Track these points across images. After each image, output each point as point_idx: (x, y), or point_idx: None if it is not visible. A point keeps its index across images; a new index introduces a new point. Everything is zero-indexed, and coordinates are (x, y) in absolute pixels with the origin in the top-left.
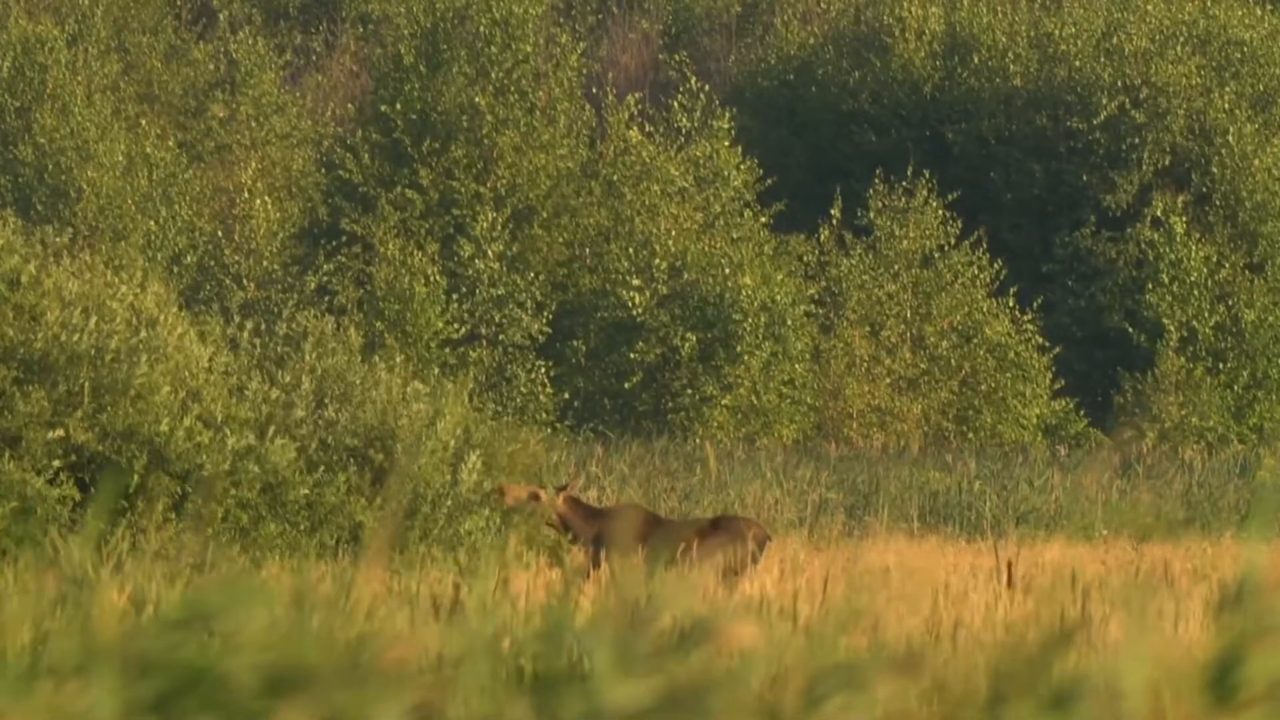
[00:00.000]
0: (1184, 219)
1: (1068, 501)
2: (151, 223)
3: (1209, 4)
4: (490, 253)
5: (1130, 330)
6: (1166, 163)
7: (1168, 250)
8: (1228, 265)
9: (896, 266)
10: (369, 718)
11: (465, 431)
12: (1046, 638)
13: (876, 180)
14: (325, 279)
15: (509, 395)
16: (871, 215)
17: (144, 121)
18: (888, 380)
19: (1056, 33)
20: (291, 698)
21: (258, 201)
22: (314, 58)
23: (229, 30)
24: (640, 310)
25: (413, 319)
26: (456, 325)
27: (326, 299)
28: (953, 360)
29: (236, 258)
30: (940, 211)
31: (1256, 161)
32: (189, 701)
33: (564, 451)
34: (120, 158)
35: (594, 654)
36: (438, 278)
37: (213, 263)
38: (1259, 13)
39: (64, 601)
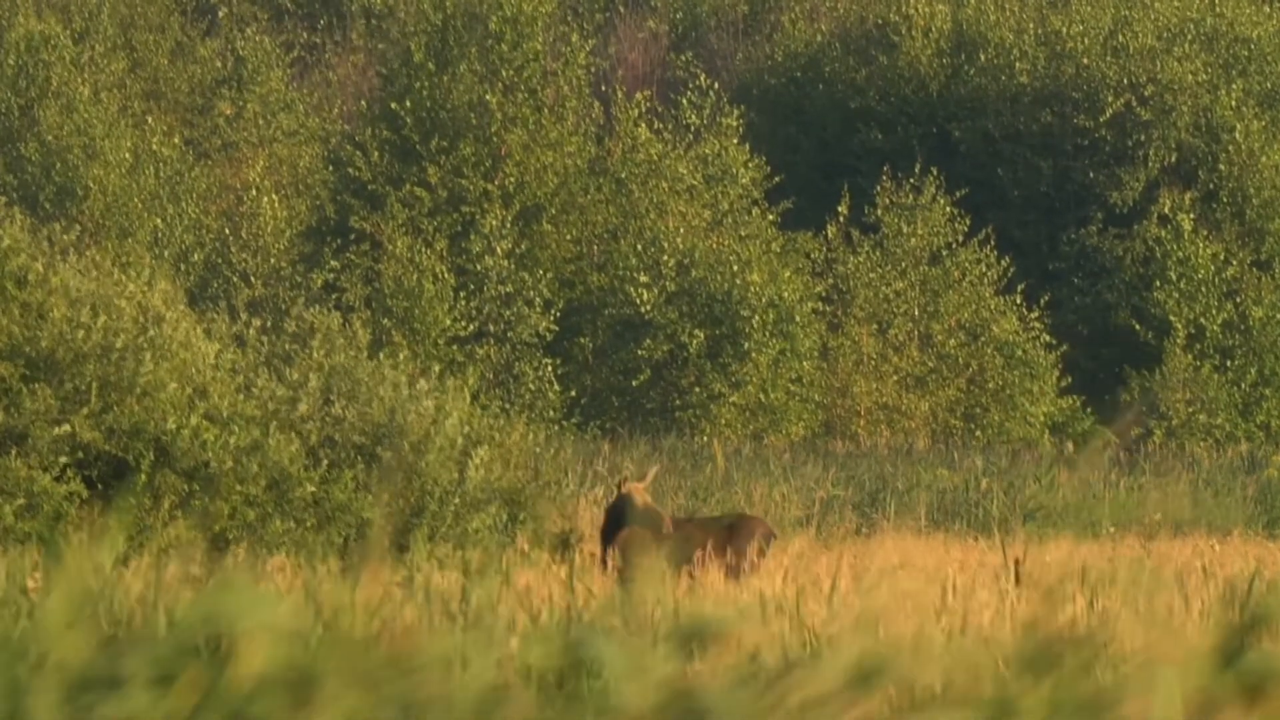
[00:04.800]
0: (1191, 216)
1: (1074, 498)
2: (158, 220)
3: (1216, 2)
4: (498, 250)
5: (1137, 327)
6: (1173, 160)
7: (1175, 247)
8: (1235, 262)
9: (904, 264)
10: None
11: (471, 428)
12: (1059, 643)
13: (884, 177)
14: (333, 276)
15: (517, 392)
16: (879, 212)
17: (150, 119)
18: (895, 378)
19: (1063, 30)
20: (304, 701)
21: (265, 199)
22: (322, 54)
23: (235, 28)
24: (648, 307)
25: (421, 316)
26: (464, 322)
27: (334, 296)
28: (960, 358)
29: (244, 255)
30: (947, 209)
31: (1264, 158)
32: (204, 706)
33: (571, 448)
34: (127, 155)
35: (604, 653)
36: (446, 275)
37: (220, 260)
38: (1266, 10)
39: (81, 603)
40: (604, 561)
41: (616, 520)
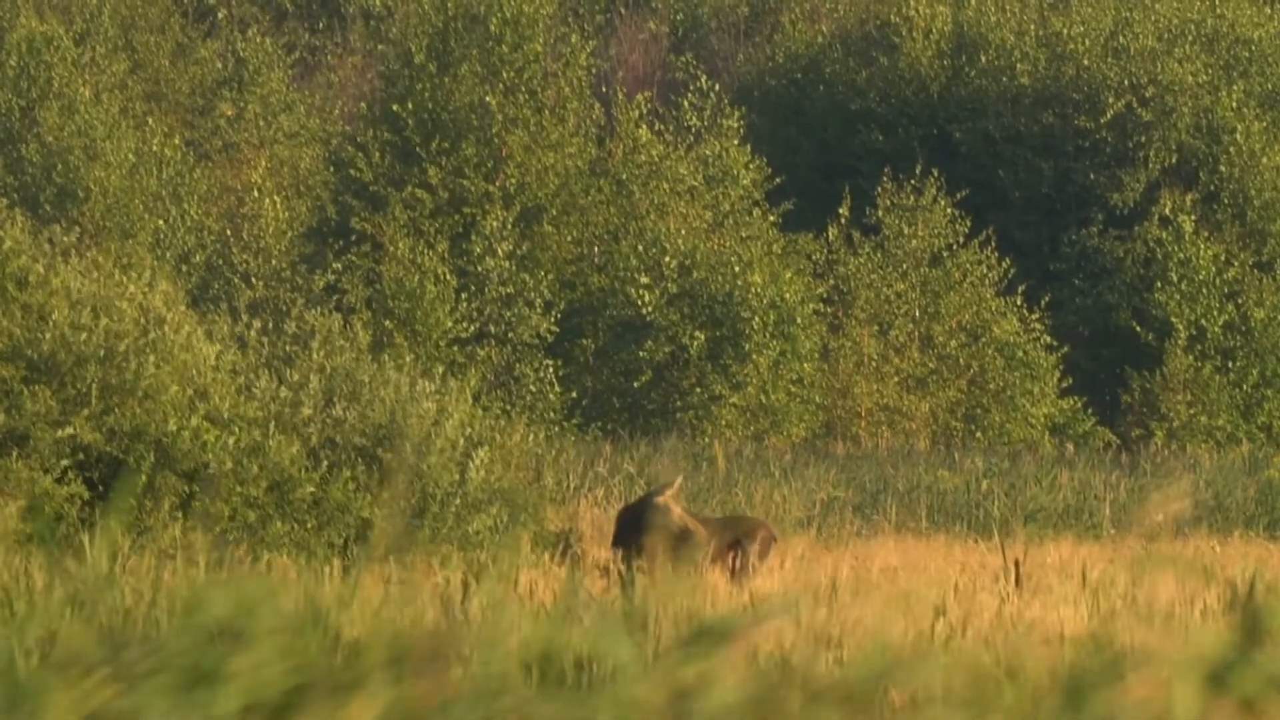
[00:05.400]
0: (1192, 217)
1: (1075, 500)
2: (160, 221)
3: (1217, 2)
4: (499, 251)
5: (1138, 329)
6: (1174, 161)
7: (1176, 249)
8: (1236, 264)
9: (905, 265)
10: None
11: (472, 430)
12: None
13: (884, 179)
14: (334, 278)
15: (517, 394)
16: (880, 214)
17: (151, 120)
18: (896, 379)
19: (1064, 31)
20: (302, 697)
21: (266, 200)
22: (323, 55)
23: (236, 29)
24: (649, 309)
25: (422, 317)
26: (465, 324)
27: (335, 298)
28: (961, 359)
29: (245, 256)
30: (948, 210)
31: (1265, 159)
32: (200, 700)
33: (572, 449)
34: (128, 156)
35: (604, 652)
36: (447, 276)
37: (221, 261)
38: (1267, 11)
39: (77, 600)
40: (610, 563)
41: (633, 525)
